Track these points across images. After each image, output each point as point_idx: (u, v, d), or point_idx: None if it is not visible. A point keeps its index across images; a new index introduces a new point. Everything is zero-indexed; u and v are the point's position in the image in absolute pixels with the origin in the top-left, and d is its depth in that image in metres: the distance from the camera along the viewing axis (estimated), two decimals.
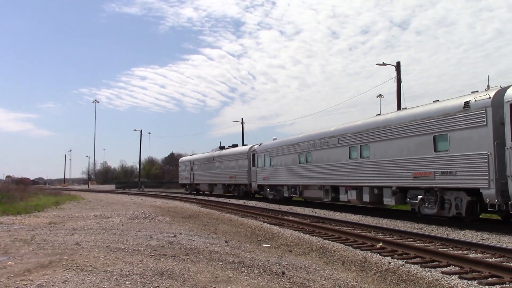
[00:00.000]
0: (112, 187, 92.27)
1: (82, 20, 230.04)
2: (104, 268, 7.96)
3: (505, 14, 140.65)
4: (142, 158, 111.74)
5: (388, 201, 19.14)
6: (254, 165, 35.59)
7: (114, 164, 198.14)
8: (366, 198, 20.64)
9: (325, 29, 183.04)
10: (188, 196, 45.50)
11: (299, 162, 27.27)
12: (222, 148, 45.73)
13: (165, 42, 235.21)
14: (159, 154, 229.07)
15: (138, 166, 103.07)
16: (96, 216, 20.66)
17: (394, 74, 32.00)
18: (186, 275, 7.64)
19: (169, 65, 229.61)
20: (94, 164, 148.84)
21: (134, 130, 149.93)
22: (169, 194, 49.91)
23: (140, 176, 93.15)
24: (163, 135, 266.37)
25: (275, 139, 33.63)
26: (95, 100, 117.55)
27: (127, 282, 6.92)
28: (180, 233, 13.96)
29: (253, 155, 35.87)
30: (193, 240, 12.27)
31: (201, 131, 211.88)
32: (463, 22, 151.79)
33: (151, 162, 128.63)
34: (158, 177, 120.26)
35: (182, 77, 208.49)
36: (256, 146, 36.20)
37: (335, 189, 23.59)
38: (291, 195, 29.12)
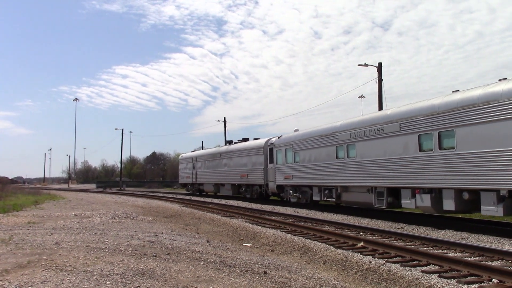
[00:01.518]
0: (92, 186, 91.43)
1: (62, 17, 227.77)
2: (84, 268, 7.87)
3: (485, 16, 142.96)
4: (124, 157, 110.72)
5: (491, 210, 13.46)
6: (271, 161, 29.39)
7: (95, 163, 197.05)
8: (448, 205, 14.89)
9: (307, 29, 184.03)
10: (170, 195, 45.18)
11: (337, 157, 21.63)
12: (230, 142, 39.59)
13: (146, 40, 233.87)
14: (141, 153, 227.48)
15: (119, 165, 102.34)
16: (76, 215, 20.43)
17: (376, 74, 32.27)
18: (167, 274, 7.60)
19: (151, 63, 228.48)
20: (75, 163, 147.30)
21: (115, 129, 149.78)
22: (151, 194, 49.59)
23: (121, 175, 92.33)
24: (145, 134, 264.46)
25: (296, 130, 27.77)
26: (76, 98, 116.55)
27: (108, 282, 6.86)
28: (162, 233, 13.88)
29: (271, 149, 29.73)
30: (175, 240, 12.20)
31: (183, 130, 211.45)
32: (444, 24, 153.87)
33: (132, 161, 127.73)
34: (139, 177, 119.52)
35: (164, 75, 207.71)
36: (274, 139, 29.75)
37: (393, 191, 17.95)
38: (324, 198, 23.42)
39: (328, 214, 21.10)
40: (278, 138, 29.03)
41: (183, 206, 28.36)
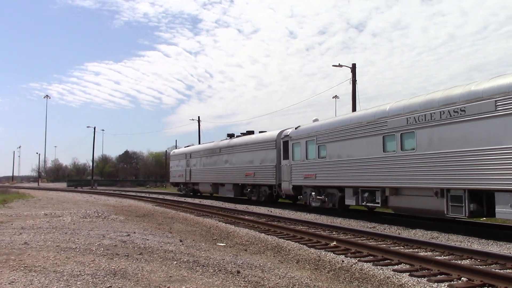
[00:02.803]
0: (63, 185, 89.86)
1: (32, 12, 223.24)
2: (54, 268, 7.73)
3: (457, 19, 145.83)
4: (96, 156, 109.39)
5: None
6: (286, 157, 24.44)
7: (66, 161, 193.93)
8: None
9: (283, 28, 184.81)
10: (143, 194, 44.77)
11: (385, 150, 16.63)
12: (231, 136, 33.93)
13: (120, 37, 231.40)
14: (113, 151, 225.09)
15: (91, 164, 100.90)
16: (46, 215, 20.05)
17: (350, 75, 32.60)
18: (139, 274, 7.52)
19: (124, 61, 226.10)
20: (45, 161, 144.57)
21: (87, 127, 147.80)
22: (123, 193, 49.03)
23: (93, 174, 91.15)
24: (118, 133, 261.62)
25: (316, 120, 23.17)
26: (47, 95, 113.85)
27: (78, 283, 6.75)
28: (134, 232, 13.74)
29: (285, 143, 24.75)
30: (147, 239, 12.09)
31: (157, 129, 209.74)
32: (417, 26, 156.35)
33: (104, 160, 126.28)
34: (112, 175, 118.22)
35: (138, 73, 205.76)
36: (289, 130, 24.79)
37: (477, 196, 13.31)
38: (363, 203, 18.25)
39: (302, 214, 21.22)
40: (296, 128, 23.96)
41: (156, 205, 28.12)
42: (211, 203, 29.46)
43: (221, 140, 34.65)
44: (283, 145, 24.99)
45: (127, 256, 9.27)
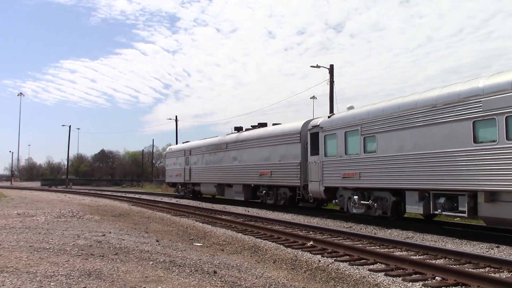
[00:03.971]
0: (37, 184, 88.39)
1: (6, 7, 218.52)
2: (26, 269, 7.58)
3: (435, 21, 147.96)
4: (71, 155, 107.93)
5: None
6: (315, 152, 19.89)
7: (40, 160, 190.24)
8: None
9: (262, 28, 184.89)
10: (119, 194, 44.29)
11: (478, 140, 12.53)
12: (239, 129, 29.28)
13: (96, 34, 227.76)
14: (89, 150, 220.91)
15: (66, 163, 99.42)
16: (19, 214, 19.68)
17: (328, 76, 32.82)
18: (115, 275, 7.43)
19: (101, 58, 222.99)
20: (18, 160, 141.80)
21: (63, 125, 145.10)
22: (99, 192, 48.45)
23: (68, 173, 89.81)
24: (93, 131, 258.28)
25: (351, 107, 18.84)
26: (20, 93, 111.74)
27: (52, 284, 6.63)
28: (110, 232, 13.58)
29: (314, 135, 20.08)
30: (123, 239, 11.97)
31: (133, 128, 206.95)
32: (394, 27, 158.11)
33: (80, 159, 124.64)
34: (87, 175, 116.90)
35: (114, 71, 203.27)
36: (319, 119, 20.33)
37: None
38: (437, 211, 13.92)
39: (279, 214, 21.26)
40: (329, 117, 19.61)
41: (132, 205, 27.87)
42: (188, 202, 29.31)
43: (228, 134, 30.25)
44: (311, 138, 20.35)
45: (102, 256, 9.16)
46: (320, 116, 21.14)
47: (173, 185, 40.42)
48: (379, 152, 16.26)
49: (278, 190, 23.90)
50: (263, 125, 27.44)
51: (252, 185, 26.00)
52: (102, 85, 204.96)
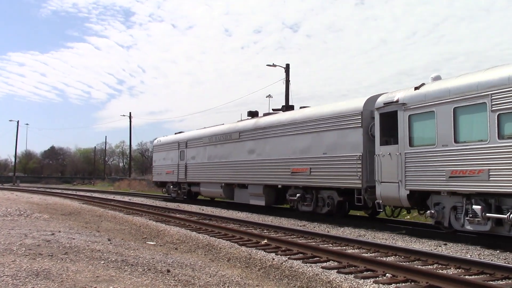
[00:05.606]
0: None
1: None
2: None
3: (389, 23, 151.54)
4: (19, 151, 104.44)
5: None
6: (388, 141, 14.28)
7: None
8: None
9: (219, 26, 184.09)
10: (69, 192, 43.06)
11: None
12: (253, 115, 23.72)
13: (47, 27, 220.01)
14: (38, 147, 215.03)
15: (13, 160, 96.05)
16: None
17: (284, 75, 33.12)
18: (64, 275, 7.22)
19: (51, 52, 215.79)
20: None
21: (10, 120, 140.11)
22: (48, 190, 47.05)
23: (15, 170, 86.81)
24: (43, 127, 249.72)
25: (437, 78, 13.72)
26: None
27: None
28: (59, 231, 13.20)
29: (387, 116, 14.27)
30: (73, 238, 11.66)
31: (86, 124, 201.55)
32: (350, 29, 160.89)
33: (28, 155, 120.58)
34: (36, 172, 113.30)
35: (66, 66, 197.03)
36: (397, 93, 14.10)
37: None
38: None
39: (233, 212, 21.25)
40: (417, 88, 13.43)
41: (83, 203, 27.21)
42: (142, 201, 28.86)
43: (239, 121, 24.21)
44: (382, 120, 14.51)
45: (51, 256, 8.89)
46: (394, 89, 14.86)
47: (162, 184, 33.31)
48: None
49: (319, 193, 17.60)
50: (290, 108, 22.32)
51: (279, 186, 19.66)
52: (53, 80, 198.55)
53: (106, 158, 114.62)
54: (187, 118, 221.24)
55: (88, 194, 39.42)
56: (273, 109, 22.50)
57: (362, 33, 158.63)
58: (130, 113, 64.98)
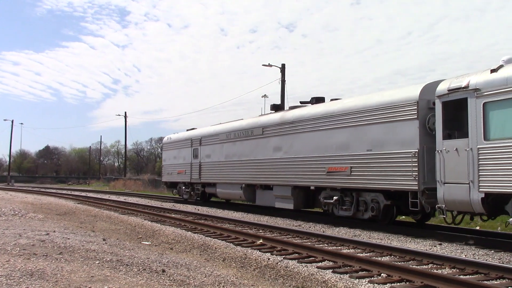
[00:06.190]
0: None
1: None
2: None
3: (384, 23, 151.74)
4: (13, 151, 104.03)
5: None
6: (454, 135, 12.48)
7: None
8: None
9: (213, 25, 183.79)
10: (64, 192, 42.90)
11: None
12: (277, 108, 22.16)
13: (42, 26, 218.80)
14: (33, 146, 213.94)
15: (8, 159, 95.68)
16: None
17: (280, 75, 33.16)
18: (59, 275, 7.19)
19: (46, 51, 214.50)
20: None
21: (4, 120, 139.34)
22: (43, 190, 46.86)
23: (9, 170, 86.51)
24: (38, 127, 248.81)
25: (510, 60, 11.48)
26: None
27: None
28: (54, 231, 13.15)
29: (453, 105, 12.40)
30: (68, 238, 11.61)
31: (81, 123, 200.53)
32: (345, 29, 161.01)
33: (23, 155, 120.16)
34: (30, 171, 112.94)
35: (61, 65, 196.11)
36: (467, 78, 11.86)
37: None
38: None
39: (229, 212, 21.24)
40: (493, 71, 11.40)
41: (78, 203, 27.13)
42: (137, 201, 28.80)
43: (262, 115, 22.54)
44: (445, 110, 12.50)
45: (46, 256, 8.85)
46: (461, 74, 12.70)
47: (172, 185, 30.99)
48: None
49: (360, 196, 15.58)
50: (320, 100, 19.33)
51: (312, 187, 17.49)
52: (48, 79, 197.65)
53: (101, 158, 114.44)
54: (183, 117, 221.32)
55: (83, 194, 39.30)
56: (300, 102, 20.23)
57: (357, 33, 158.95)
58: (125, 112, 65.03)
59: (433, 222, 16.13)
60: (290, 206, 18.60)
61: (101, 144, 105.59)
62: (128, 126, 65.33)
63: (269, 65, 33.81)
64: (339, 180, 15.92)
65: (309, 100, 19.44)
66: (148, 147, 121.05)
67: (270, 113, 21.74)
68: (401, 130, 13.78)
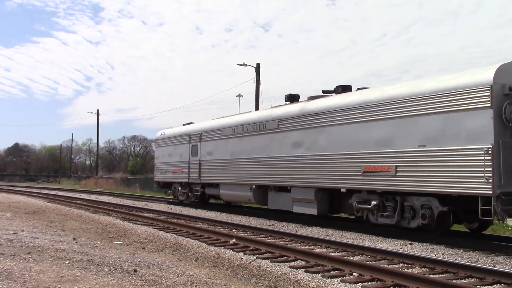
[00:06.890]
0: None
1: None
2: None
3: (359, 25, 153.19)
4: None
5: None
6: None
7: None
8: None
9: (189, 23, 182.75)
10: (33, 190, 42.02)
11: None
12: (292, 99, 18.85)
13: (12, 21, 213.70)
14: (1, 144, 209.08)
15: None
16: None
17: (255, 74, 33.17)
18: (27, 275, 7.04)
19: (16, 46, 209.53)
20: None
21: None
22: (11, 188, 45.89)
23: None
24: (6, 123, 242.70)
25: None
26: None
27: None
28: (22, 230, 12.87)
29: None
30: (37, 238, 11.39)
31: (51, 120, 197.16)
32: (320, 30, 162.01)
33: None
34: None
35: (32, 61, 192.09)
36: None
37: None
38: None
39: (202, 211, 21.14)
40: None
41: (48, 202, 26.65)
42: (109, 199, 28.42)
43: (275, 107, 19.64)
44: None
45: (14, 255, 8.65)
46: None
47: (166, 185, 27.55)
48: None
49: (406, 200, 12.97)
50: (346, 88, 16.57)
51: (344, 190, 14.73)
52: (18, 75, 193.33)
53: (72, 156, 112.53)
54: (156, 116, 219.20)
55: (53, 192, 38.61)
56: (323, 91, 17.37)
57: (333, 33, 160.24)
58: (97, 110, 64.21)
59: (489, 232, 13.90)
60: (313, 211, 15.89)
61: (72, 142, 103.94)
62: (100, 124, 64.51)
63: (244, 65, 33.80)
64: (380, 181, 13.30)
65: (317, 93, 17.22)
66: (121, 146, 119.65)
67: (285, 104, 18.85)
68: (466, 121, 11.20)
